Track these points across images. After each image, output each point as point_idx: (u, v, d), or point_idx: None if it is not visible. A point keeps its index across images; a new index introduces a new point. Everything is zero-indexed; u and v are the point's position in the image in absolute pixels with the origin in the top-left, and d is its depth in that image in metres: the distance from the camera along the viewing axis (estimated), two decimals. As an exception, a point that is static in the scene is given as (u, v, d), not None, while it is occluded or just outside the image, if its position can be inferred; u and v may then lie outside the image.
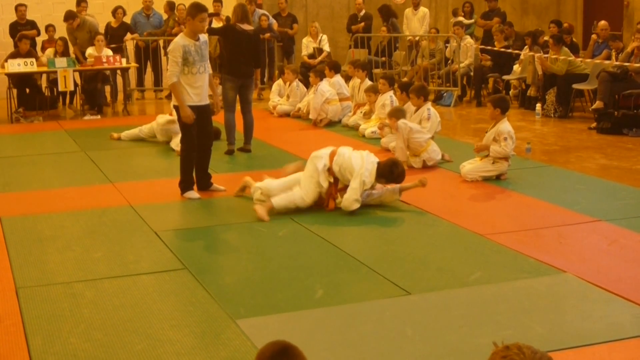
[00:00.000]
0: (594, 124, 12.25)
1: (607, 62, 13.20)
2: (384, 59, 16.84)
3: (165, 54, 16.32)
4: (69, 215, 7.93)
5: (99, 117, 14.65)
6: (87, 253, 6.70)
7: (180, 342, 4.86)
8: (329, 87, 13.22)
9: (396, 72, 16.74)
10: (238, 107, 10.60)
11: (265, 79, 17.00)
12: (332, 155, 7.81)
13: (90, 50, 14.87)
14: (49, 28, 16.09)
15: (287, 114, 14.00)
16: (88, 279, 6.06)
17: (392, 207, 7.94)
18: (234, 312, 5.30)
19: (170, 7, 16.91)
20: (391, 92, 11.83)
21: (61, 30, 15.97)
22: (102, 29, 15.99)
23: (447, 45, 16.29)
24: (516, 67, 14.91)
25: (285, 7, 17.58)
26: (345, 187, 7.74)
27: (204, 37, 8.40)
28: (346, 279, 6.03)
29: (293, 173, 8.16)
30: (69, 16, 15.13)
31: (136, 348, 4.80)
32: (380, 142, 10.79)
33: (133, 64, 15.73)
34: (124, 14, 16.50)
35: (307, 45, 17.16)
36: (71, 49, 15.39)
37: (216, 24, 16.00)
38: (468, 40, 15.94)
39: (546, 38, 14.58)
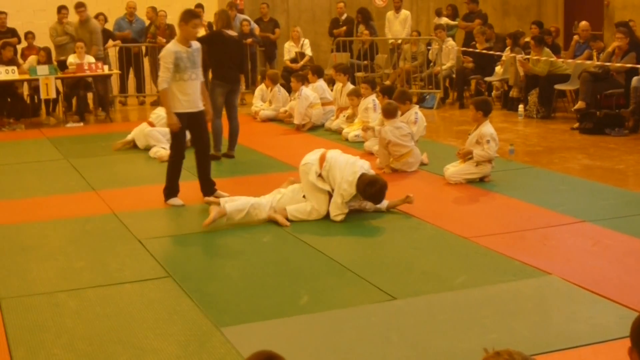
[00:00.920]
0: (576, 124, 12.30)
1: (588, 62, 13.25)
2: (365, 62, 16.84)
3: (154, 60, 16.37)
4: (51, 224, 7.88)
5: (81, 124, 14.58)
6: (70, 262, 6.66)
7: (164, 351, 4.83)
8: (312, 91, 13.22)
9: (378, 75, 16.76)
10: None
11: (249, 84, 16.98)
12: (321, 160, 7.72)
13: (71, 58, 14.81)
14: (28, 35, 16.00)
15: (270, 119, 13.99)
16: (71, 288, 6.01)
17: (375, 211, 7.91)
18: (219, 320, 5.27)
19: (154, 12, 16.86)
20: (374, 96, 11.82)
21: (40, 39, 15.92)
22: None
23: (429, 47, 16.32)
24: (498, 69, 14.94)
25: (266, 12, 17.58)
26: None
27: (196, 44, 8.34)
28: (331, 284, 6.01)
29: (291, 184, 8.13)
30: (80, 4, 15.24)
31: (120, 358, 4.76)
32: (364, 145, 10.79)
33: (115, 71, 15.67)
34: (106, 20, 16.46)
35: (289, 50, 17.15)
36: (54, 55, 15.34)
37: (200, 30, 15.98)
38: (450, 42, 15.96)
39: (527, 39, 14.63)
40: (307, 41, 17.26)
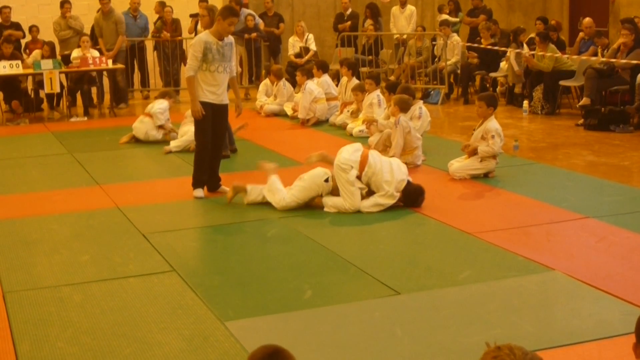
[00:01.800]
0: (581, 121, 12.27)
1: (593, 58, 13.23)
2: (370, 57, 16.83)
3: (160, 54, 16.43)
4: (56, 218, 7.89)
5: (85, 119, 14.59)
6: (74, 256, 6.67)
7: (168, 345, 4.84)
8: (317, 86, 13.21)
9: (383, 70, 16.74)
10: None
11: (253, 79, 16.99)
12: (362, 163, 7.73)
13: (75, 53, 14.83)
14: (33, 29, 16.00)
15: (274, 114, 13.99)
16: (75, 282, 6.02)
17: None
18: (223, 314, 5.27)
19: (162, 7, 16.87)
20: (378, 91, 11.82)
21: (44, 33, 15.94)
22: (87, 30, 15.95)
23: (434, 43, 16.30)
24: (503, 65, 14.92)
25: (271, 6, 17.54)
26: None
27: (229, 38, 8.33)
28: (335, 279, 6.01)
29: (318, 162, 8.23)
30: None
31: (124, 352, 4.77)
32: (368, 141, 10.77)
33: (120, 65, 15.67)
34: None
35: (293, 45, 17.13)
36: (58, 50, 15.35)
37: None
38: (455, 38, 15.94)
39: (532, 35, 14.60)
40: (311, 36, 17.24)
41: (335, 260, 6.37)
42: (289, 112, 13.70)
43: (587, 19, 14.48)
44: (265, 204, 7.93)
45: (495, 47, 15.07)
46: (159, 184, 8.70)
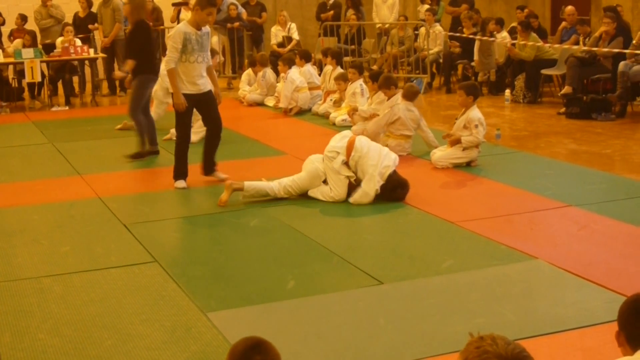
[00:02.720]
0: (562, 109, 12.31)
1: (575, 47, 13.25)
2: (353, 47, 16.80)
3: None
4: (36, 208, 7.83)
5: (67, 108, 14.50)
6: (55, 247, 6.62)
7: (150, 337, 4.80)
8: (299, 75, 13.17)
9: (365, 59, 16.71)
10: None
11: (236, 69, 16.92)
12: (349, 148, 7.67)
13: (58, 41, 14.75)
14: (18, 17, 15.90)
15: (257, 103, 13.95)
16: (56, 273, 5.97)
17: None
18: (205, 305, 5.25)
19: None
20: (361, 81, 11.81)
21: (30, 23, 15.83)
22: (69, 19, 15.86)
23: (416, 32, 16.28)
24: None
25: (253, -5, 17.48)
26: None
27: (206, 28, 8.26)
28: (318, 269, 5.99)
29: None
30: None
31: (106, 343, 4.73)
32: (351, 129, 10.74)
33: (101, 54, 15.59)
34: (91, 3, 16.34)
35: (276, 34, 17.09)
36: (39, 39, 15.24)
37: (185, 13, 15.92)
38: (437, 27, 15.93)
39: (513, 24, 14.61)
40: (294, 25, 17.19)
41: (318, 250, 6.35)
42: (271, 104, 13.66)
43: (569, 7, 14.50)
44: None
45: (477, 37, 15.06)
46: (141, 174, 8.65)
